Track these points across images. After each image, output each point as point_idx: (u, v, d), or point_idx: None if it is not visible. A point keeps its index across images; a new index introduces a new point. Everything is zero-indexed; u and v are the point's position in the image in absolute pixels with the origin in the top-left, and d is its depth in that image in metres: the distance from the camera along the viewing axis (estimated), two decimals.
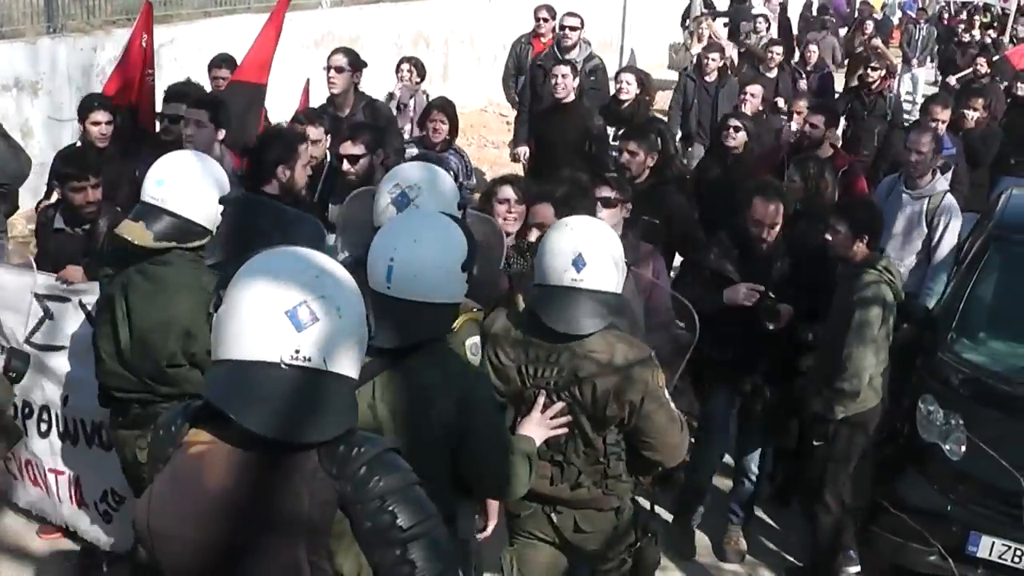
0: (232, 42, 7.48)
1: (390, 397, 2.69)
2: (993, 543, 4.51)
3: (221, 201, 3.58)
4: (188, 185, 3.55)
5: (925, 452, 4.76)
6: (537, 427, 3.17)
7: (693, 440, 4.76)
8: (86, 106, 5.77)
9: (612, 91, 7.77)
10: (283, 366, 1.89)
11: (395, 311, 2.70)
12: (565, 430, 3.23)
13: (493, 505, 3.54)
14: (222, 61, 6.81)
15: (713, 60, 9.30)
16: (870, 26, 15.21)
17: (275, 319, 1.89)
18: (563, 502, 3.38)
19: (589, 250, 3.15)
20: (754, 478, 5.18)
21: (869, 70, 9.50)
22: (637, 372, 3.20)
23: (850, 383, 4.57)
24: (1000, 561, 4.51)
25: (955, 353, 5.10)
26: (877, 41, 12.84)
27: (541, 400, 3.21)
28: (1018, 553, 4.47)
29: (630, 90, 7.36)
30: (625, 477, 3.41)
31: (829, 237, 4.73)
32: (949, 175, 6.24)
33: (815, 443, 4.78)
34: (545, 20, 8.76)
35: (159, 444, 2.03)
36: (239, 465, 1.90)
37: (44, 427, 4.64)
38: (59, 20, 8.99)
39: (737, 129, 6.62)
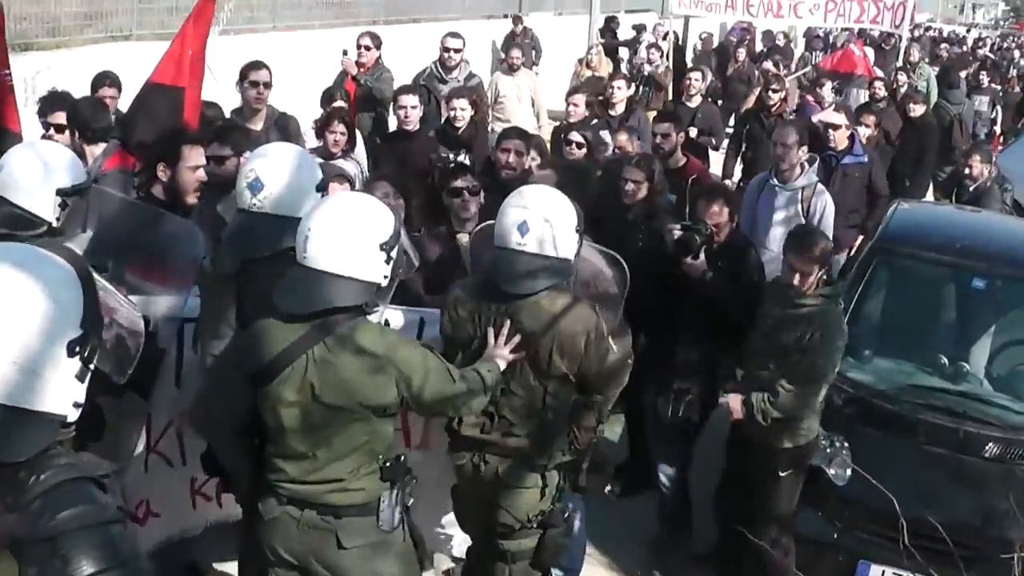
0: (116, 70, 7.16)
1: (326, 367, 2.95)
2: (884, 572, 4.32)
3: (59, 193, 3.46)
4: (21, 174, 3.46)
5: (809, 477, 4.51)
6: (496, 356, 3.43)
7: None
8: None
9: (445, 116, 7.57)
10: None
11: (307, 281, 2.96)
12: (523, 354, 3.46)
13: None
14: (108, 81, 6.74)
15: (619, 89, 8.89)
16: (742, 54, 15.47)
17: None
18: (494, 449, 3.58)
19: (533, 217, 3.46)
20: (665, 486, 5.02)
21: (770, 92, 9.30)
22: (579, 322, 3.47)
23: (805, 420, 4.41)
24: None
25: (839, 372, 4.84)
26: (768, 64, 12.89)
27: (491, 333, 3.47)
28: None
29: (464, 115, 7.22)
30: (559, 438, 3.60)
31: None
32: (816, 166, 6.31)
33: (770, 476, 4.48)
34: (368, 48, 8.38)
35: None
36: None
37: None
38: None
39: (579, 146, 6.59)
